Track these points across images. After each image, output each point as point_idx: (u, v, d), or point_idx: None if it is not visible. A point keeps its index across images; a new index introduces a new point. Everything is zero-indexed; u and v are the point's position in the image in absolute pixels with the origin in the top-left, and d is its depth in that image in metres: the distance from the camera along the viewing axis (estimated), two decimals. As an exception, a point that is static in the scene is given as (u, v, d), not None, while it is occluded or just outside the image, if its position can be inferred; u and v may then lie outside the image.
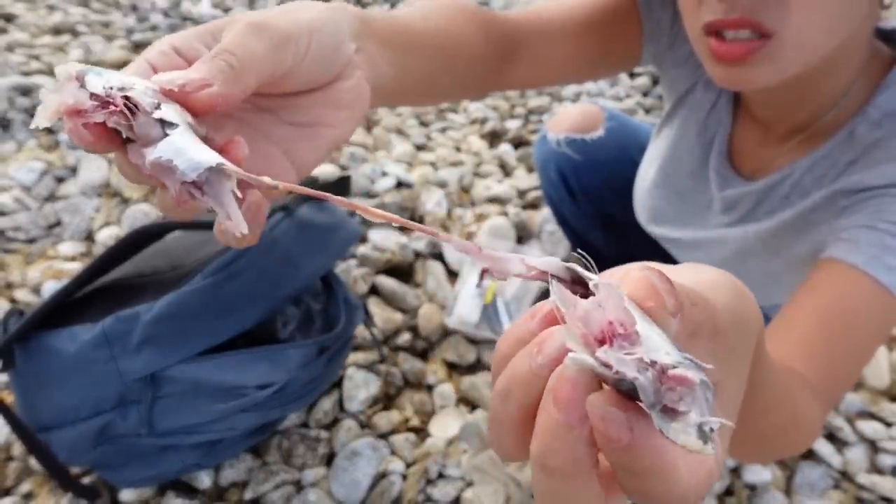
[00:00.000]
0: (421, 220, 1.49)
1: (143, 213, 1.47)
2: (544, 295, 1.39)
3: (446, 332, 1.32)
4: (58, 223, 1.50)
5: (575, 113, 1.04)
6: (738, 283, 0.27)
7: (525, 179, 1.72)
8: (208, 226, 0.95)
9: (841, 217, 0.61)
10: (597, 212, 1.06)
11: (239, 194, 0.30)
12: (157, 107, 0.30)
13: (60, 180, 1.54)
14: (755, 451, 0.55)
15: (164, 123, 0.30)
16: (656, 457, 0.19)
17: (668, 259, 0.90)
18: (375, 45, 0.46)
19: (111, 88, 0.29)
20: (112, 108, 0.29)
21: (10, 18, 2.21)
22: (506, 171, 1.82)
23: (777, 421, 0.47)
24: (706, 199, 0.80)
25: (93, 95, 0.29)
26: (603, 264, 0.84)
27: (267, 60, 0.34)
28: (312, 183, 1.02)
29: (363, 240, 1.44)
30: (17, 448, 1.05)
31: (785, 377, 0.47)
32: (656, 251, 0.95)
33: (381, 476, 1.10)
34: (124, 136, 0.31)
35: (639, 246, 1.04)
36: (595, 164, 1.00)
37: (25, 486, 1.03)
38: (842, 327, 0.55)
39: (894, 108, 0.58)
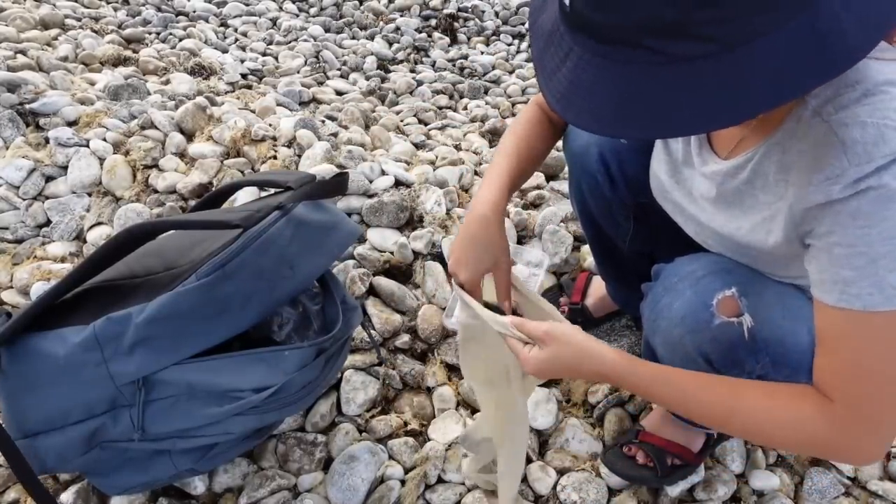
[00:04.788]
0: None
1: (135, 212, 1.43)
2: (545, 294, 1.38)
3: (446, 334, 1.29)
4: (47, 222, 1.46)
5: None
6: (561, 334, 0.77)
7: (525, 178, 1.70)
8: (202, 225, 0.93)
9: (801, 226, 0.66)
10: (633, 201, 1.06)
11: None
12: None
13: (49, 179, 1.51)
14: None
15: None
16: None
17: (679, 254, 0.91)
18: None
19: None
20: None
21: (-4, 12, 2.17)
22: (505, 170, 1.80)
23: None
24: (691, 173, 0.85)
25: None
26: (619, 261, 0.92)
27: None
28: (310, 181, 1.00)
29: (361, 239, 1.41)
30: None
31: (683, 387, 0.72)
32: (674, 244, 0.95)
33: (380, 481, 1.08)
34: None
35: (660, 240, 1.05)
36: (640, 149, 1.00)
37: (11, 494, 1.00)
38: (850, 365, 0.62)
39: (829, 96, 0.61)
